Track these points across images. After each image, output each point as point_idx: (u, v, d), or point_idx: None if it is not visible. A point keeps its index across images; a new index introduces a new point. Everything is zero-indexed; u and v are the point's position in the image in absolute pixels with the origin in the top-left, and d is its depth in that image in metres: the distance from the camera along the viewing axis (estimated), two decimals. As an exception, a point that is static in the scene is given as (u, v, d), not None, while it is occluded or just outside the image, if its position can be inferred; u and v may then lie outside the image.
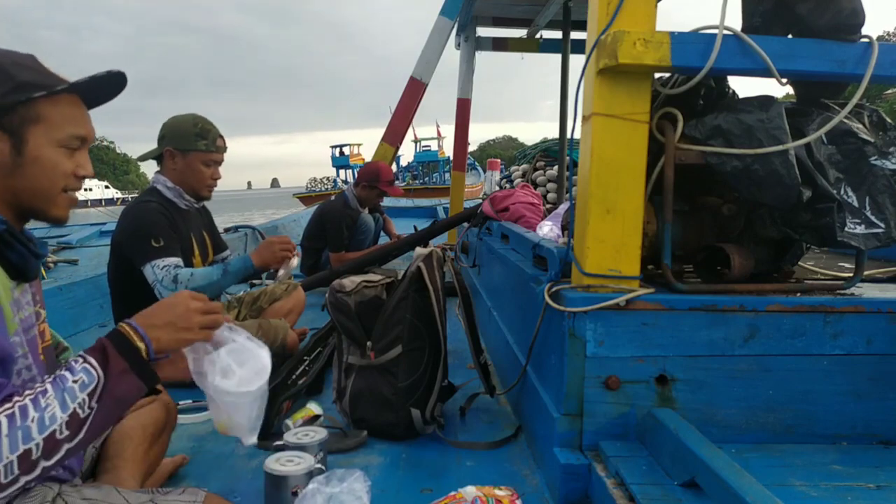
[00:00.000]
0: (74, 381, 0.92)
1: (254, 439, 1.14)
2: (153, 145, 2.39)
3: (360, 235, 4.33)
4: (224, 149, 2.40)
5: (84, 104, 1.09)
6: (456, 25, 4.87)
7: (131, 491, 1.13)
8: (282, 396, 2.06)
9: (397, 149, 5.02)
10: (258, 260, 2.35)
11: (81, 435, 0.92)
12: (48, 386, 0.92)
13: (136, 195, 2.91)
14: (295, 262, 2.49)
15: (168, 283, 2.16)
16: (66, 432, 0.90)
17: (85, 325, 3.18)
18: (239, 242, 5.02)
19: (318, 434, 1.67)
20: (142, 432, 1.39)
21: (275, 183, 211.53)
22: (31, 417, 0.88)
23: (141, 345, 0.99)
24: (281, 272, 2.48)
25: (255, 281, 4.18)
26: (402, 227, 5.16)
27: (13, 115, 0.99)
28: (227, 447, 1.86)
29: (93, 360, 0.95)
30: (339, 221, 4.18)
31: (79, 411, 0.91)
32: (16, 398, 0.90)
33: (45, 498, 1.06)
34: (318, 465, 1.57)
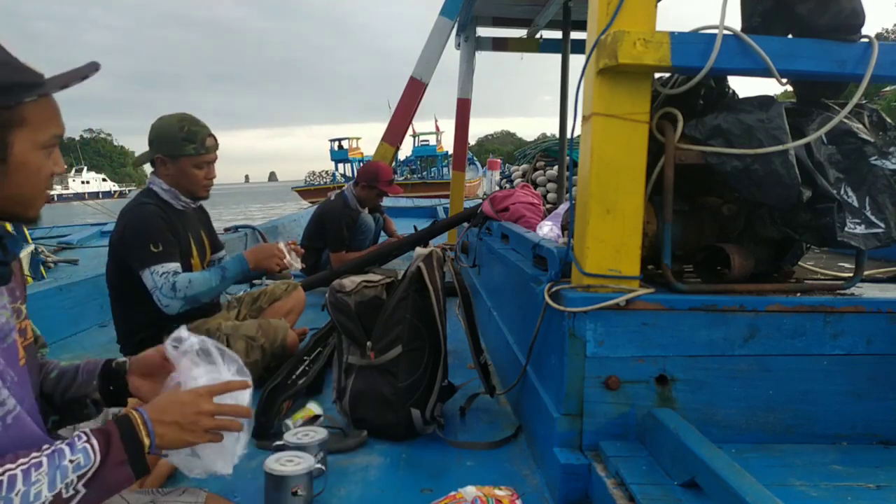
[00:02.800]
0: (71, 461, 0.89)
1: (230, 469, 1.09)
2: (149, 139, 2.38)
3: (360, 235, 4.33)
4: (215, 147, 2.36)
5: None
6: (456, 25, 4.87)
7: (131, 492, 1.13)
8: (282, 396, 2.06)
9: (397, 149, 5.02)
10: (253, 263, 2.33)
11: None
12: (44, 459, 0.88)
13: (133, 188, 2.91)
14: (297, 264, 2.48)
15: (167, 291, 2.15)
16: None
17: (85, 325, 3.18)
18: (239, 242, 5.01)
19: (318, 434, 1.68)
20: None
21: (272, 176, 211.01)
22: (17, 491, 0.84)
23: (146, 440, 0.95)
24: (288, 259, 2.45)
25: (255, 281, 4.19)
26: (402, 227, 5.16)
27: None
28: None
29: (95, 444, 0.92)
30: (339, 221, 4.18)
31: (63, 492, 0.87)
32: (8, 465, 0.86)
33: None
34: (318, 465, 1.58)
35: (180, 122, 2.30)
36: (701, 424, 1.41)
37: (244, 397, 1.08)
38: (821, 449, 1.46)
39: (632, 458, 1.39)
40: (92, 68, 1.02)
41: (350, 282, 2.04)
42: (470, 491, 1.36)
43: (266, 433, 1.93)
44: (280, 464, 1.47)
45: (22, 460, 0.87)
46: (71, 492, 0.88)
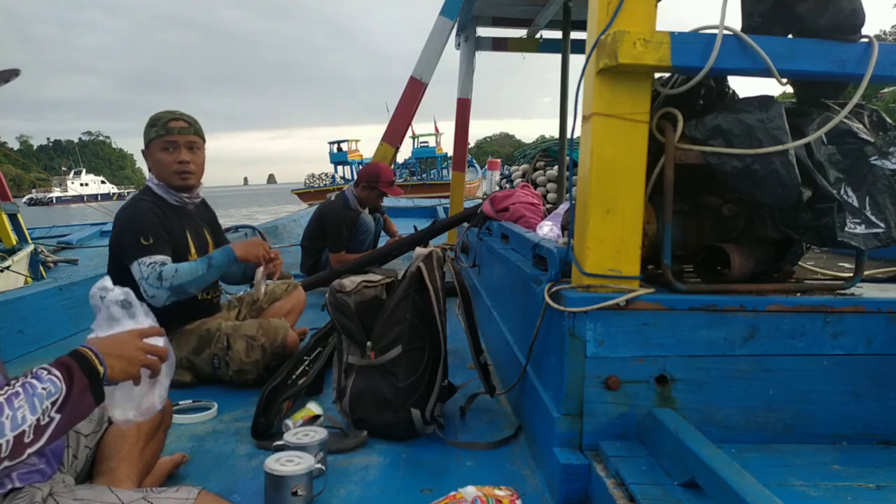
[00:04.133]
0: (43, 389, 0.98)
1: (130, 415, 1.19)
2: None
3: (360, 236, 4.33)
4: (178, 129, 2.30)
5: None
6: (456, 25, 4.87)
7: (125, 490, 1.13)
8: (282, 396, 2.06)
9: (397, 149, 5.02)
10: (240, 251, 2.31)
11: (42, 441, 0.96)
12: (19, 389, 0.96)
13: (132, 190, 2.93)
14: (260, 274, 2.39)
15: (153, 281, 2.15)
16: (31, 436, 0.95)
17: (85, 325, 3.18)
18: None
19: (318, 434, 1.68)
20: (136, 431, 1.39)
21: (271, 179, 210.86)
22: (6, 415, 0.93)
23: (101, 368, 1.06)
24: (258, 276, 2.40)
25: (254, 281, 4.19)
26: (402, 227, 5.16)
27: None
28: (226, 447, 1.86)
29: (58, 373, 1.00)
30: (339, 222, 4.18)
31: (41, 417, 0.96)
32: None
33: (34, 498, 1.06)
34: (318, 465, 1.58)
35: (156, 113, 2.35)
36: (701, 424, 1.41)
37: (160, 342, 1.20)
38: (821, 449, 1.46)
39: (632, 458, 1.39)
40: (12, 74, 1.14)
41: (350, 282, 2.04)
42: (470, 491, 1.36)
43: (266, 433, 1.93)
44: (280, 464, 1.47)
45: (1, 392, 0.96)
46: (47, 418, 0.97)
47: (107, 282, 1.23)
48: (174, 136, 2.30)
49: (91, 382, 1.04)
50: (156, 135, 2.30)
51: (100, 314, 1.20)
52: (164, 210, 2.31)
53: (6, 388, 0.96)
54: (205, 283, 2.29)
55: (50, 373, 1.00)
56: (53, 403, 0.98)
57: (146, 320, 1.21)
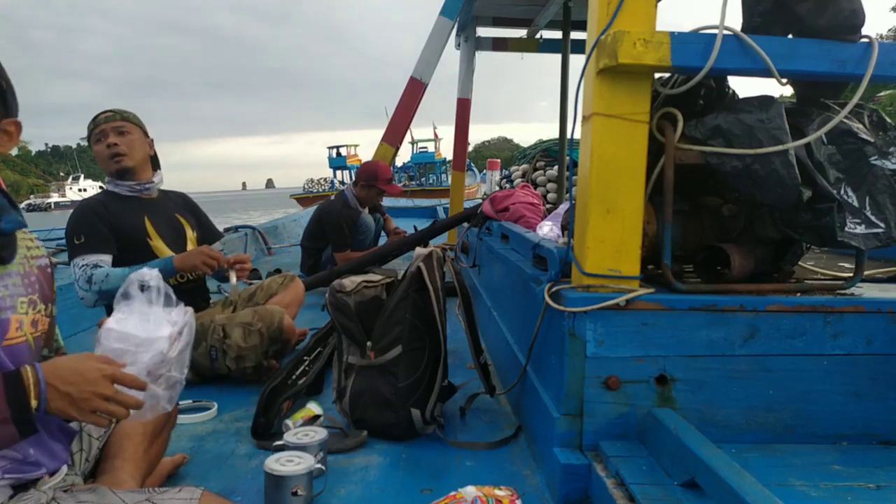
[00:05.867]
0: None
1: None
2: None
3: (360, 235, 4.33)
4: (104, 119, 2.31)
5: None
6: (456, 25, 4.87)
7: (127, 491, 1.13)
8: (282, 396, 2.06)
9: (397, 149, 5.02)
10: (180, 263, 2.27)
11: None
12: None
13: None
14: (234, 279, 2.38)
15: (83, 284, 2.15)
16: None
17: (85, 325, 3.18)
18: (239, 242, 5.02)
19: (318, 434, 1.68)
20: (142, 430, 1.39)
21: (270, 184, 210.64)
22: None
23: (34, 402, 0.94)
24: (233, 280, 2.39)
25: (253, 281, 4.19)
26: (402, 228, 5.16)
27: None
28: (226, 447, 1.86)
29: None
30: (339, 221, 4.18)
31: None
32: None
33: (39, 501, 1.06)
34: (318, 465, 1.58)
35: None
36: (701, 424, 1.41)
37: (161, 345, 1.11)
38: (821, 449, 1.46)
39: (632, 458, 1.39)
40: None
41: (350, 282, 2.04)
42: (470, 491, 1.36)
43: (266, 433, 1.93)
44: (280, 464, 1.47)
45: None
46: None
47: (146, 270, 1.20)
48: (101, 125, 2.32)
49: (14, 416, 0.92)
50: (89, 133, 2.35)
51: (120, 290, 1.15)
52: (112, 205, 2.31)
53: None
54: None
55: None
56: None
57: (159, 312, 1.14)
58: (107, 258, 2.22)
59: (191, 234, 2.52)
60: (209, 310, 2.55)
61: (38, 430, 0.98)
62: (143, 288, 1.16)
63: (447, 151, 31.84)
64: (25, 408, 0.93)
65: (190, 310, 1.19)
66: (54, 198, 60.80)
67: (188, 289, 2.44)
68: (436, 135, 36.42)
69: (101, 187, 2.62)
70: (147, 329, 1.12)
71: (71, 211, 2.35)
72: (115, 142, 2.30)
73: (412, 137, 34.97)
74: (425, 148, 36.76)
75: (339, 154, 35.88)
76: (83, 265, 2.17)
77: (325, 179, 36.61)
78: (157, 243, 2.36)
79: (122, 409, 1.01)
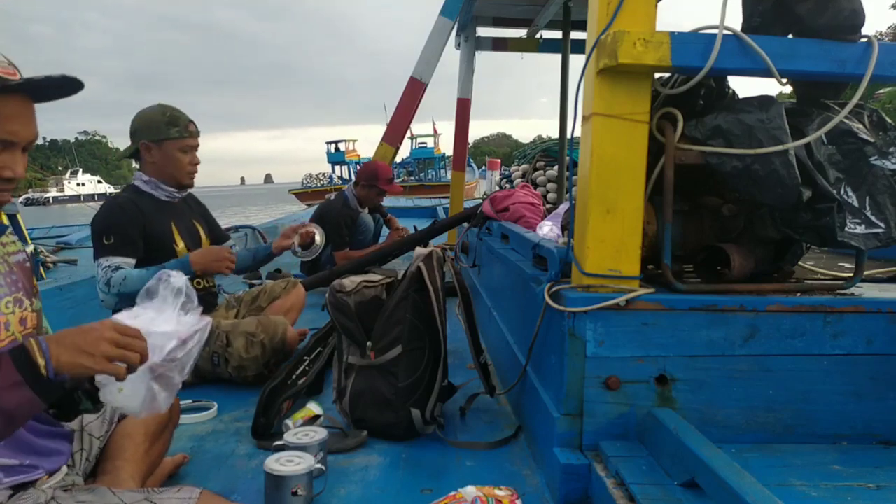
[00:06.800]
0: None
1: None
2: None
3: (359, 235, 4.33)
4: (197, 133, 2.39)
5: (29, 100, 1.06)
6: (456, 25, 4.87)
7: (126, 491, 1.13)
8: (282, 396, 2.06)
9: (397, 149, 5.02)
10: (199, 266, 2.28)
11: None
12: None
13: None
14: (319, 239, 2.60)
15: (102, 286, 2.15)
16: None
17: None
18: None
19: (318, 434, 1.68)
20: (143, 430, 1.39)
21: (268, 179, 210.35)
22: None
23: (40, 360, 0.93)
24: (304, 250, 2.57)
25: (253, 281, 4.19)
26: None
27: None
28: (226, 447, 1.86)
29: None
30: (338, 220, 4.18)
31: None
32: None
33: (38, 500, 1.06)
34: (318, 465, 1.58)
35: (162, 108, 2.35)
36: (701, 424, 1.41)
37: (165, 342, 1.08)
38: (821, 449, 1.46)
39: (632, 458, 1.39)
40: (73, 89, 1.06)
41: (350, 282, 2.04)
42: (470, 491, 1.36)
43: (266, 433, 1.93)
44: (280, 464, 1.47)
45: None
46: None
47: (173, 272, 1.18)
48: (194, 139, 2.36)
49: (26, 377, 0.92)
50: (178, 135, 2.32)
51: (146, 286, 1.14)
52: (145, 207, 2.30)
53: None
54: None
55: None
56: None
57: (172, 312, 1.12)
58: (131, 261, 2.22)
59: (204, 238, 2.56)
60: (214, 313, 2.56)
61: (55, 393, 0.97)
62: (167, 288, 1.15)
63: (446, 147, 31.85)
64: (34, 366, 0.93)
65: (208, 319, 1.17)
66: (52, 192, 60.71)
67: (202, 296, 2.46)
68: (435, 130, 36.42)
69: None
70: (156, 326, 1.10)
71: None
72: (198, 161, 2.39)
73: (411, 133, 35.02)
74: (424, 143, 36.74)
75: (337, 149, 35.91)
76: (106, 266, 2.17)
77: (323, 174, 36.60)
78: (181, 248, 2.38)
79: (134, 353, 0.99)
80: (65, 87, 1.06)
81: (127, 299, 2.15)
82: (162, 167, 2.34)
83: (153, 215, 2.31)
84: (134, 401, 1.08)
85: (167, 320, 1.12)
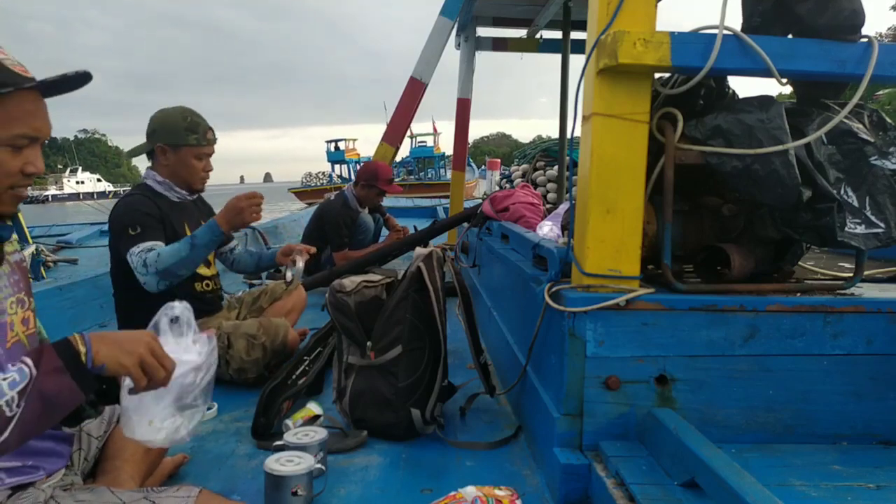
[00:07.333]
0: (4, 379, 0.90)
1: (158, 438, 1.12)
2: (144, 139, 2.38)
3: (359, 235, 4.33)
4: (214, 140, 2.39)
5: (41, 97, 1.06)
6: (456, 25, 4.87)
7: (125, 490, 1.13)
8: (282, 396, 2.06)
9: (397, 149, 5.02)
10: (226, 224, 2.22)
11: (6, 435, 0.89)
12: None
13: (127, 188, 2.90)
14: (301, 264, 2.48)
15: (140, 269, 2.13)
16: None
17: (85, 326, 3.18)
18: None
19: (318, 434, 1.68)
20: None
21: (268, 178, 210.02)
22: None
23: (81, 348, 0.96)
24: (289, 274, 2.46)
25: (253, 281, 4.19)
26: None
27: None
28: (226, 447, 1.86)
29: (29, 360, 0.94)
30: (338, 220, 4.18)
31: (5, 409, 0.88)
32: None
33: (37, 499, 1.06)
34: (318, 465, 1.58)
35: (183, 112, 2.34)
36: (701, 424, 1.41)
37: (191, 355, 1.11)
38: (821, 449, 1.46)
39: (632, 458, 1.40)
40: (81, 82, 1.06)
41: (350, 282, 2.04)
42: (470, 491, 1.36)
43: (266, 433, 1.93)
44: (280, 464, 1.47)
45: None
46: (14, 409, 0.89)
47: (174, 302, 1.19)
48: (211, 147, 2.37)
49: (67, 363, 0.94)
50: (196, 143, 2.31)
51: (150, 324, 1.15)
52: (159, 205, 2.30)
53: None
54: (191, 263, 2.21)
55: (22, 361, 0.93)
56: (21, 392, 0.90)
57: (188, 342, 1.14)
58: (160, 244, 2.20)
59: None
60: (217, 314, 2.55)
61: (95, 384, 0.98)
62: (172, 320, 1.15)
63: (445, 146, 31.86)
64: (75, 353, 0.95)
65: (214, 340, 1.18)
66: (51, 190, 60.62)
67: (209, 298, 2.46)
68: (435, 129, 36.41)
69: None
70: (179, 356, 1.11)
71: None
72: (211, 168, 2.40)
73: (411, 132, 35.02)
74: (424, 142, 36.71)
75: (337, 148, 35.88)
76: (139, 251, 2.15)
77: (323, 173, 36.57)
78: None
79: (162, 370, 1.02)
80: (72, 80, 1.07)
81: (166, 275, 2.14)
82: (175, 171, 2.34)
83: (169, 214, 2.31)
84: (161, 433, 1.10)
85: (187, 351, 1.13)
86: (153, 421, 1.08)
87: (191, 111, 2.36)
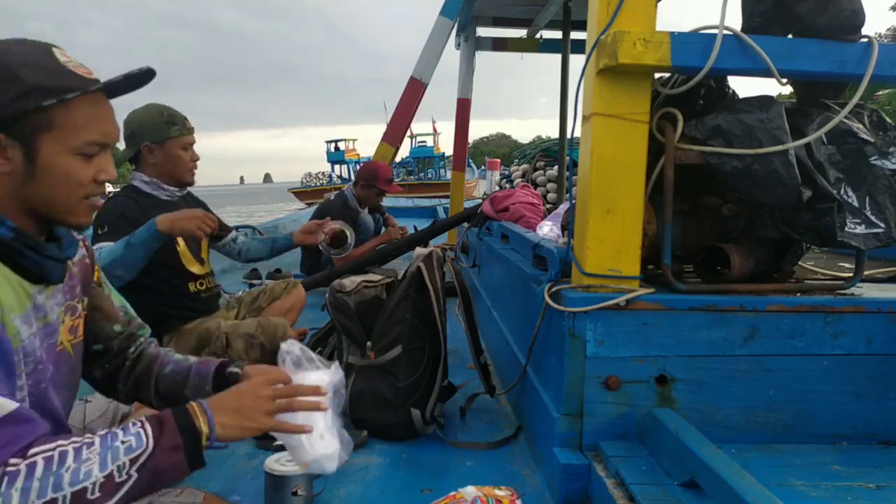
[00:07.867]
0: (122, 442, 0.88)
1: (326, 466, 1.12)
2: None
3: (359, 235, 4.33)
4: (193, 129, 2.39)
5: (107, 99, 1.02)
6: (456, 25, 4.87)
7: None
8: (282, 396, 2.06)
9: (397, 149, 5.02)
10: (167, 222, 2.08)
11: (112, 501, 0.85)
12: (97, 439, 0.88)
13: None
14: (350, 235, 2.68)
15: None
16: (97, 494, 0.84)
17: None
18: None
19: (318, 434, 1.67)
20: None
21: (267, 178, 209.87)
22: (68, 467, 0.84)
23: (204, 428, 0.94)
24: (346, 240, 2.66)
25: (253, 281, 4.19)
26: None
27: (23, 122, 0.91)
28: (226, 447, 1.86)
29: (148, 429, 0.91)
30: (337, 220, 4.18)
31: (116, 475, 0.86)
32: (59, 441, 0.86)
33: None
34: (318, 465, 1.58)
35: (158, 108, 2.33)
36: (701, 424, 1.41)
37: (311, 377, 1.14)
38: (821, 449, 1.46)
39: (632, 458, 1.39)
40: (146, 79, 1.03)
41: (350, 282, 2.04)
42: (470, 491, 1.36)
43: (266, 433, 1.93)
44: (280, 464, 1.47)
45: (75, 439, 0.87)
46: (124, 476, 0.87)
47: (288, 344, 1.22)
48: (192, 135, 2.36)
49: (186, 442, 0.91)
50: (178, 133, 2.31)
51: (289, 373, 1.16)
52: (145, 206, 2.28)
53: (86, 435, 0.88)
54: (127, 262, 2.09)
55: (142, 426, 0.90)
56: (133, 461, 0.87)
57: (316, 373, 1.15)
58: (110, 244, 2.14)
59: (204, 238, 2.51)
60: (216, 314, 2.55)
61: (204, 464, 0.96)
62: (295, 362, 1.18)
63: (445, 146, 31.86)
64: (196, 434, 0.93)
65: (340, 372, 1.20)
66: None
67: (204, 298, 2.45)
68: (435, 129, 36.40)
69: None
70: (305, 379, 1.14)
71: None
72: (198, 157, 2.38)
73: (411, 132, 35.03)
74: (424, 142, 36.69)
75: (337, 148, 35.84)
76: (96, 250, 2.15)
77: (322, 174, 36.52)
78: (182, 247, 2.36)
79: (299, 399, 1.04)
80: (136, 78, 1.03)
81: (110, 276, 2.09)
82: (164, 167, 2.33)
83: (151, 215, 2.29)
84: (335, 443, 1.11)
85: (321, 382, 1.15)
86: (325, 435, 1.09)
87: (162, 105, 2.35)
